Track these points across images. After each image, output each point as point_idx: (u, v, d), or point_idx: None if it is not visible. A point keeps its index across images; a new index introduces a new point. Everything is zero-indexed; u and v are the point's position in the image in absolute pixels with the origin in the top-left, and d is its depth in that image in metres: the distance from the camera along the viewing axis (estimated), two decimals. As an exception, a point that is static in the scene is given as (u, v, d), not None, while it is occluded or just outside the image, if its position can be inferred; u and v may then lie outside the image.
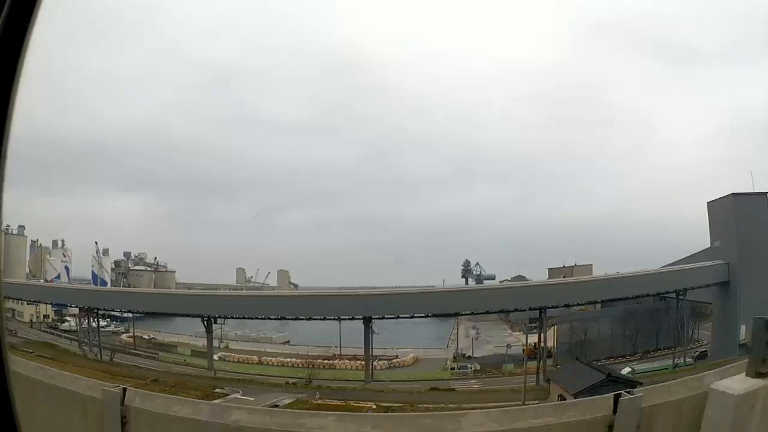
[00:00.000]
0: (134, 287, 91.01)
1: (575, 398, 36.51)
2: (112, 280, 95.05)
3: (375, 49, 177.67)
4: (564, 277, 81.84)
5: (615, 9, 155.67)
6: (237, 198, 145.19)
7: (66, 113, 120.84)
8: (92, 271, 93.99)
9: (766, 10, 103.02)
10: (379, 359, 66.91)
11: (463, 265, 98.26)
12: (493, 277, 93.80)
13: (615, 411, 6.23)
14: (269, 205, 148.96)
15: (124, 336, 74.13)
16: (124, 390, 7.85)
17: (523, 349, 69.77)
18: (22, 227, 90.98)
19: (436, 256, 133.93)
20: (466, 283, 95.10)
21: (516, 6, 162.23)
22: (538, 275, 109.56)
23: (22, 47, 2.62)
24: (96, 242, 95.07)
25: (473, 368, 66.56)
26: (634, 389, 6.34)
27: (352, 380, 57.63)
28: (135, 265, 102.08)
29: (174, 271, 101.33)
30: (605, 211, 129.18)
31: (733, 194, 67.93)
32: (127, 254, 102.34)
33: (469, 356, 72.66)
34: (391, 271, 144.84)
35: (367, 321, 59.19)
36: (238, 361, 66.43)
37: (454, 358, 72.43)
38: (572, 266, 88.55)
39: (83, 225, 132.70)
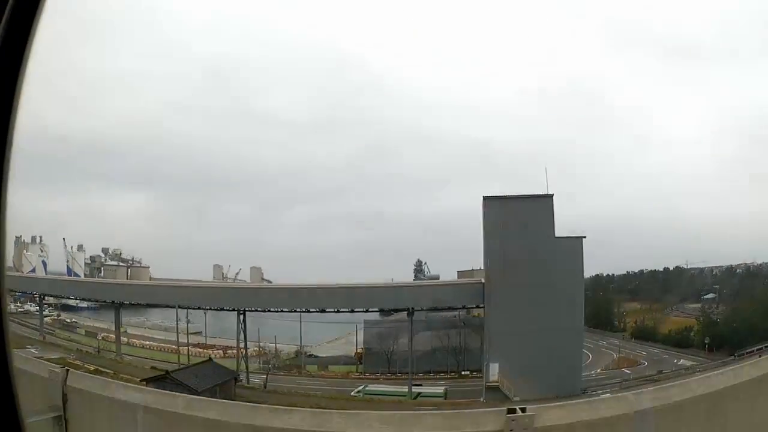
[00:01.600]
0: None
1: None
2: (86, 274, 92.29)
3: (375, 47, 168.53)
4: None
5: (616, 7, 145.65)
6: (236, 196, 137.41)
7: (66, 111, 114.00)
8: (67, 266, 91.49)
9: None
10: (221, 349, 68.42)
11: (415, 265, 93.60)
12: (437, 277, 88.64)
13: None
14: (268, 202, 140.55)
15: (47, 318, 77.21)
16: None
17: (355, 353, 67.63)
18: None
19: (436, 254, 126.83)
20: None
21: (517, 3, 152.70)
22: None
23: (25, 47, 2.52)
24: (64, 238, 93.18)
25: (273, 365, 65.28)
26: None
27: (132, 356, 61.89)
28: (111, 260, 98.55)
29: (148, 267, 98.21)
30: (605, 211, 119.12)
31: (484, 197, 49.93)
32: (105, 250, 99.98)
33: (311, 354, 68.12)
34: (390, 269, 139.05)
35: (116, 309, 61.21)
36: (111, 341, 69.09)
37: (296, 354, 69.01)
38: (476, 269, 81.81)
39: (79, 222, 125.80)
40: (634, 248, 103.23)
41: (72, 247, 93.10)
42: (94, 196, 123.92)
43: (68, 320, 77.46)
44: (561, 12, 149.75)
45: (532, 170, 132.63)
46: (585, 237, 49.18)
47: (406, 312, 53.22)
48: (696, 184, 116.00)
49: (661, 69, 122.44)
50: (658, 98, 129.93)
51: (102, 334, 71.81)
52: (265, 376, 54.34)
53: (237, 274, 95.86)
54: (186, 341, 62.85)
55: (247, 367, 56.02)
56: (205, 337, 69.22)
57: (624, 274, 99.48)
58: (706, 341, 67.16)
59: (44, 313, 72.46)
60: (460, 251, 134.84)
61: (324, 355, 69.78)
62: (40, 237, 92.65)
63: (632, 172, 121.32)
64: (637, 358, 67.08)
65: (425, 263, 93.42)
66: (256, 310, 56.51)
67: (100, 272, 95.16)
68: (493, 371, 45.22)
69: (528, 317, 44.61)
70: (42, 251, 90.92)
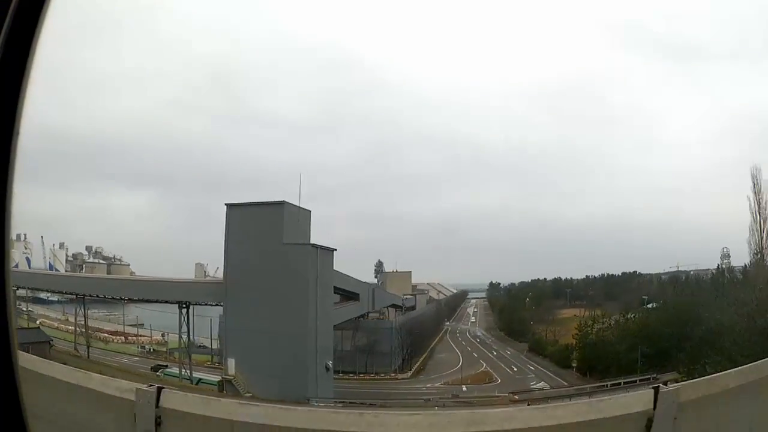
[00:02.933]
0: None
1: None
2: (67, 270, 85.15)
3: (376, 47, 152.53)
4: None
5: (618, 6, 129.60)
6: (236, 195, 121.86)
7: (66, 110, 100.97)
8: (49, 263, 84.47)
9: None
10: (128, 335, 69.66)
11: (376, 266, 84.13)
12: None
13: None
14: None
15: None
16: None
17: None
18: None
19: (435, 254, 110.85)
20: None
21: (518, 3, 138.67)
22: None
23: (29, 47, 2.28)
24: (42, 236, 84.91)
25: (149, 349, 65.86)
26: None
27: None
28: (93, 257, 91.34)
29: (128, 264, 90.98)
30: (605, 212, 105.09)
31: (226, 204, 47.05)
32: (88, 248, 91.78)
33: (202, 345, 63.46)
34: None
35: None
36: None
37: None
38: (399, 271, 76.39)
39: (77, 221, 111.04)
40: (627, 249, 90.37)
41: (54, 245, 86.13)
42: (93, 195, 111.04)
43: (23, 309, 71.72)
44: (561, 12, 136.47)
45: (532, 170, 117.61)
46: (314, 244, 46.15)
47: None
48: (697, 185, 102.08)
49: (661, 69, 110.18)
50: (659, 98, 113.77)
51: (39, 320, 68.83)
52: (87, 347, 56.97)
53: (216, 271, 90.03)
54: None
55: (87, 341, 58.02)
56: (151, 329, 69.03)
57: (584, 279, 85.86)
58: (573, 363, 56.01)
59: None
60: (459, 250, 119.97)
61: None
62: (25, 235, 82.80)
63: (632, 173, 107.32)
64: (497, 374, 58.34)
65: (381, 262, 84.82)
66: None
67: (81, 269, 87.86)
68: (231, 366, 43.79)
69: (259, 319, 41.96)
70: (26, 248, 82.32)
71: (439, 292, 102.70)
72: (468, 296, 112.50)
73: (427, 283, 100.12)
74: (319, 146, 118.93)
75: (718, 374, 6.06)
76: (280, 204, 45.16)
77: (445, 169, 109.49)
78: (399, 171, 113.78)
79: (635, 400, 5.48)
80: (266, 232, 43.79)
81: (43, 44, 2.30)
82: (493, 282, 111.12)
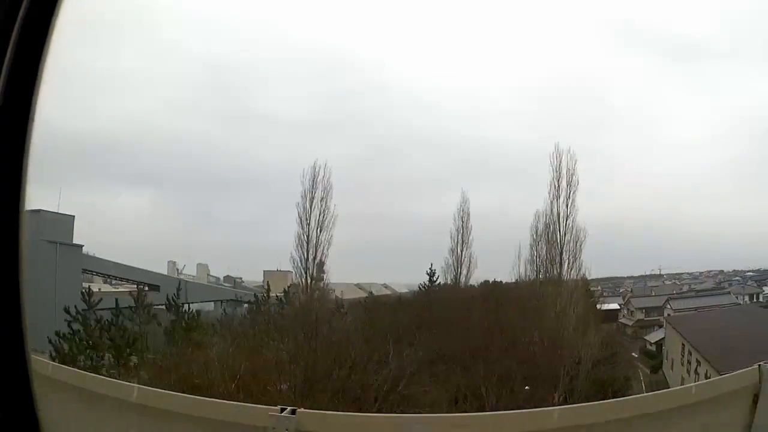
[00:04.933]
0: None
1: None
2: None
3: (375, 47, 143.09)
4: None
5: (616, 5, 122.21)
6: (236, 195, 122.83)
7: (67, 111, 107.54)
8: None
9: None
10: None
11: (317, 264, 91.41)
12: (322, 278, 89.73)
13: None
14: (270, 202, 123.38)
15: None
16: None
17: None
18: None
19: (435, 255, 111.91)
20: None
21: (517, 3, 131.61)
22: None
23: (42, 49, 2.23)
24: None
25: None
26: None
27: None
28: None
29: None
30: (605, 213, 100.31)
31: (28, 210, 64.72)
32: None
33: None
34: (389, 269, 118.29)
35: None
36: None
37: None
38: (282, 270, 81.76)
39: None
40: (622, 251, 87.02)
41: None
42: (91, 194, 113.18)
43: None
44: (561, 12, 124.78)
45: (532, 170, 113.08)
46: (53, 241, 54.53)
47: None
48: (697, 186, 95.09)
49: (662, 68, 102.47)
50: (660, 98, 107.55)
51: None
52: None
53: (183, 268, 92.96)
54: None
55: None
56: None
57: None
58: None
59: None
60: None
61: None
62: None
63: (633, 173, 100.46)
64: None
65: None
66: None
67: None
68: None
69: (33, 292, 55.74)
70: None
71: (372, 292, 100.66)
72: None
73: (356, 284, 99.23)
74: (321, 146, 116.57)
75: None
76: (37, 212, 60.00)
77: (446, 170, 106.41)
78: (399, 171, 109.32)
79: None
80: (33, 232, 59.19)
81: (54, 45, 2.27)
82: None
